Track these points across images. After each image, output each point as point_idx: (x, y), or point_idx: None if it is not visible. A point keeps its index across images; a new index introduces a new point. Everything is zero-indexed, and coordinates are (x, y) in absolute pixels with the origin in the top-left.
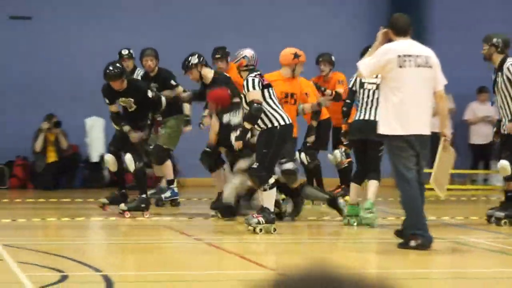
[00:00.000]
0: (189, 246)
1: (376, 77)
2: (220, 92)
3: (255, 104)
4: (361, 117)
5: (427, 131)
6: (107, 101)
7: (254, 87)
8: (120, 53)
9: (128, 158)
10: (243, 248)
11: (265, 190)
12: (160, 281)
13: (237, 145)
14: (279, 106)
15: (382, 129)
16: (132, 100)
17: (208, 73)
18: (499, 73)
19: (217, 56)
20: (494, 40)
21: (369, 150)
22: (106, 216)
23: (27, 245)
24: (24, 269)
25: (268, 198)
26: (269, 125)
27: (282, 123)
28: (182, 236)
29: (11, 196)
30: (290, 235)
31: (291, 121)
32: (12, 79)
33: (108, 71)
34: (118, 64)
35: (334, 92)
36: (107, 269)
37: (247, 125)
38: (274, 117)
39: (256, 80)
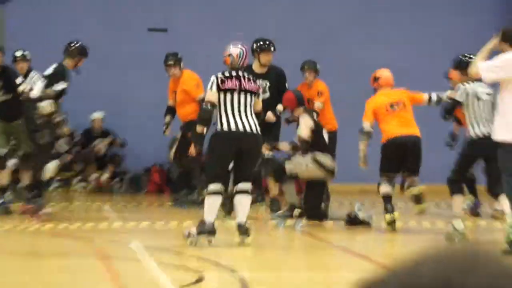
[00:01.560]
0: (319, 248)
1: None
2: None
3: (204, 105)
4: (483, 133)
5: None
6: None
7: (211, 87)
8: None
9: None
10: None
11: None
12: (295, 283)
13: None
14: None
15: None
16: None
17: None
18: None
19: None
20: None
21: (493, 163)
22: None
23: (166, 246)
24: (164, 270)
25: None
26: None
27: (223, 129)
28: (312, 239)
29: (150, 200)
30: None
31: (237, 130)
32: None
33: None
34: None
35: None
36: (242, 270)
37: (198, 129)
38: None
39: (214, 80)
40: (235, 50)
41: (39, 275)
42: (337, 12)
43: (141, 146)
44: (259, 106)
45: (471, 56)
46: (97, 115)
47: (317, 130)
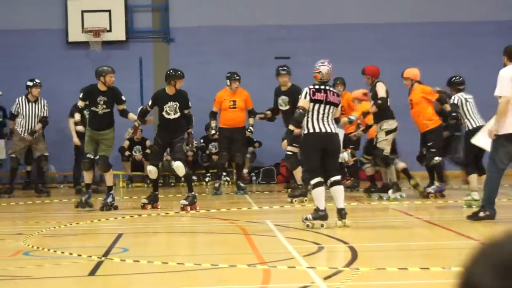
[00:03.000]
0: (411, 223)
1: None
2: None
3: (298, 110)
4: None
5: None
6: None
7: (305, 97)
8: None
9: (179, 165)
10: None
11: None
12: (390, 250)
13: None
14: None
15: None
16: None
17: None
18: None
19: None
20: None
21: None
22: (349, 201)
23: (292, 225)
24: (290, 243)
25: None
26: (305, 132)
27: (310, 131)
28: (405, 216)
29: (279, 189)
30: None
31: (321, 131)
32: None
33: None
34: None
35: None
36: (352, 242)
37: (290, 127)
38: (307, 126)
39: (308, 91)
40: (324, 68)
41: (197, 249)
42: None
43: (272, 144)
44: (338, 113)
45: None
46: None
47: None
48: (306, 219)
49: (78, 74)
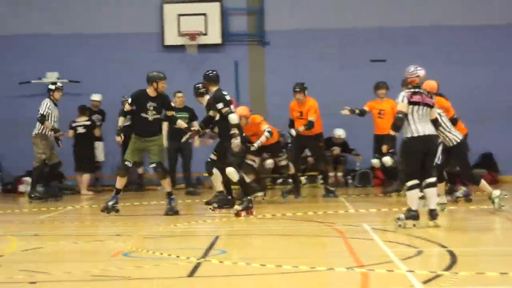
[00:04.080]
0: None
1: None
2: None
3: (397, 114)
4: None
5: None
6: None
7: (402, 100)
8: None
9: (231, 170)
10: None
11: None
12: (488, 254)
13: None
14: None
15: None
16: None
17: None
18: None
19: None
20: None
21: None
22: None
23: (388, 228)
24: (388, 246)
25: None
26: (407, 135)
27: (413, 135)
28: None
29: (376, 191)
30: None
31: (424, 134)
32: None
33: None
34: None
35: None
36: (450, 245)
37: (391, 132)
38: (408, 130)
39: (405, 95)
40: (421, 72)
41: (294, 251)
42: None
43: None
44: (434, 115)
45: None
46: (340, 132)
47: None
48: (399, 219)
49: (173, 77)
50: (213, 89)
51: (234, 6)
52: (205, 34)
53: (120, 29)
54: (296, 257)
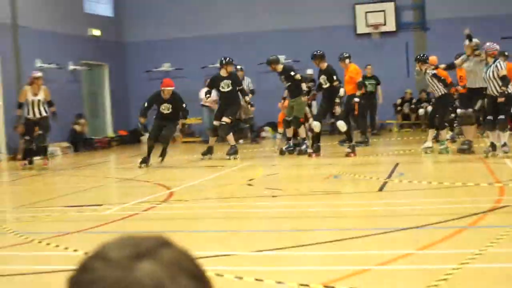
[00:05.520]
0: None
1: None
2: None
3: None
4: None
5: None
6: None
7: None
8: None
9: (340, 123)
10: None
11: None
12: None
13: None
14: None
15: None
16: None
17: None
18: None
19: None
20: None
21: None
22: None
23: None
24: None
25: None
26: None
27: None
28: None
29: None
30: None
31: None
32: None
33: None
34: None
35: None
36: None
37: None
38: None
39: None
40: (497, 46)
41: (449, 172)
42: None
43: None
44: None
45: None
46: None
47: None
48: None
49: (363, 55)
50: (324, 64)
51: (404, 4)
52: (384, 25)
53: (322, 23)
54: (452, 177)
